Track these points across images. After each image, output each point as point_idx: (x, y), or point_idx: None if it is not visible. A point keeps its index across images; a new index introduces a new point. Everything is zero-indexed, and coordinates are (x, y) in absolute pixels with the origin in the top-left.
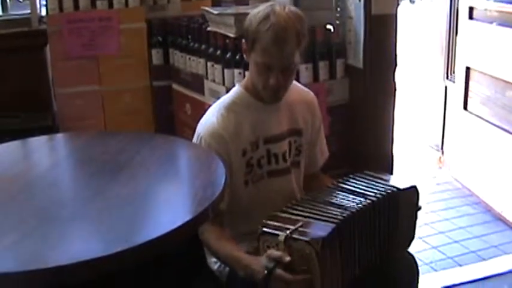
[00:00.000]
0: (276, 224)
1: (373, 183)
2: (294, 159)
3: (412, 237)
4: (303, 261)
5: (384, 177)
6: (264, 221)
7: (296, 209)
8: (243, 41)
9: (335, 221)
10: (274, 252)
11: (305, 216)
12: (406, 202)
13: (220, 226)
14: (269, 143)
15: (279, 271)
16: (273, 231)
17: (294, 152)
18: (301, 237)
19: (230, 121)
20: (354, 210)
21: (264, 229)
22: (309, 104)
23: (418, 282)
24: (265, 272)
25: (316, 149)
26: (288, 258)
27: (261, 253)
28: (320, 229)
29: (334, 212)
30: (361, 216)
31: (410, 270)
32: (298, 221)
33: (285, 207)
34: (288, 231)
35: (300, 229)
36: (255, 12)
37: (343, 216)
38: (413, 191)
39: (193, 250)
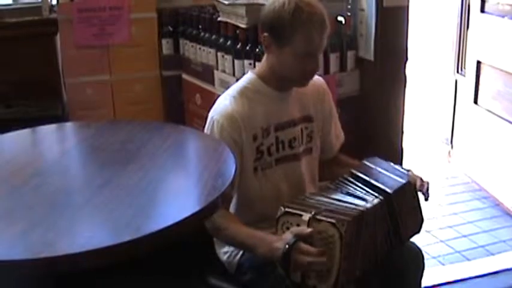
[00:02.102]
0: (297, 206)
1: (366, 188)
2: (306, 146)
3: (422, 221)
4: (324, 244)
5: (380, 170)
6: (284, 203)
7: (311, 200)
8: (265, 34)
9: (356, 210)
10: (296, 228)
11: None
12: (404, 197)
13: (229, 212)
14: (279, 130)
15: (301, 243)
16: (297, 211)
17: (305, 139)
18: (326, 219)
19: (243, 105)
20: (365, 207)
21: (287, 209)
22: (319, 91)
23: (422, 275)
24: (286, 246)
25: (331, 135)
26: (308, 230)
27: (279, 234)
28: (344, 214)
29: (350, 206)
30: (371, 214)
31: (415, 263)
32: (319, 206)
33: (298, 199)
34: (312, 212)
35: (324, 212)
36: (279, 5)
37: (360, 210)
38: (408, 185)
39: (202, 240)
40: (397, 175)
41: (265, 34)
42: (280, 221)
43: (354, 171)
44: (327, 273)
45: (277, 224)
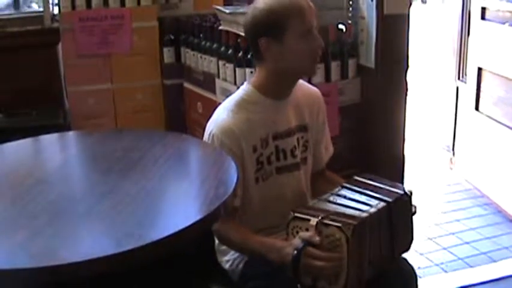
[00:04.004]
0: (306, 211)
1: (365, 196)
2: (302, 155)
3: (411, 240)
4: (332, 248)
5: (374, 183)
6: (293, 208)
7: (321, 205)
8: (261, 39)
9: (363, 214)
10: (304, 233)
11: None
12: (401, 209)
13: (239, 221)
14: (277, 139)
15: (309, 248)
16: (305, 216)
17: (301, 148)
18: (332, 223)
19: (240, 117)
20: (369, 213)
21: (296, 214)
22: (315, 101)
23: None
24: (295, 251)
25: (321, 146)
26: (317, 239)
27: (290, 239)
28: (350, 218)
29: (356, 212)
30: (374, 220)
31: (407, 279)
32: (328, 210)
33: (304, 206)
34: (319, 217)
35: (331, 216)
36: (263, 6)
37: (368, 213)
38: (404, 197)
39: (204, 249)
40: (393, 187)
41: (262, 38)
42: (290, 225)
43: (347, 185)
44: (336, 276)
45: (288, 229)
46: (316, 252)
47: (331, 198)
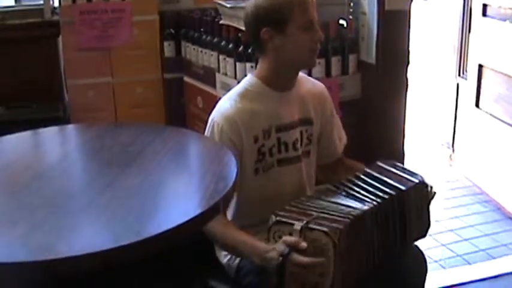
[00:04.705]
0: (288, 214)
1: (378, 185)
2: (304, 148)
3: (428, 226)
4: (317, 253)
5: (394, 170)
6: (275, 211)
7: (304, 205)
8: (265, 29)
9: (349, 216)
10: (290, 238)
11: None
12: (415, 198)
13: (226, 216)
14: (280, 131)
15: (294, 255)
16: (289, 221)
17: (305, 141)
18: (318, 227)
19: (243, 107)
20: (361, 211)
21: (278, 218)
22: (319, 94)
23: (425, 279)
24: (280, 258)
25: (334, 136)
26: (304, 244)
27: (271, 243)
28: (336, 222)
29: (345, 211)
30: (367, 217)
31: (418, 266)
32: (311, 213)
33: (291, 204)
34: (304, 221)
35: (317, 220)
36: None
37: (353, 215)
38: (420, 186)
39: (202, 243)
40: (410, 175)
41: (265, 28)
42: (272, 230)
43: (368, 170)
44: (322, 281)
45: (269, 233)
46: (302, 260)
47: (323, 195)
